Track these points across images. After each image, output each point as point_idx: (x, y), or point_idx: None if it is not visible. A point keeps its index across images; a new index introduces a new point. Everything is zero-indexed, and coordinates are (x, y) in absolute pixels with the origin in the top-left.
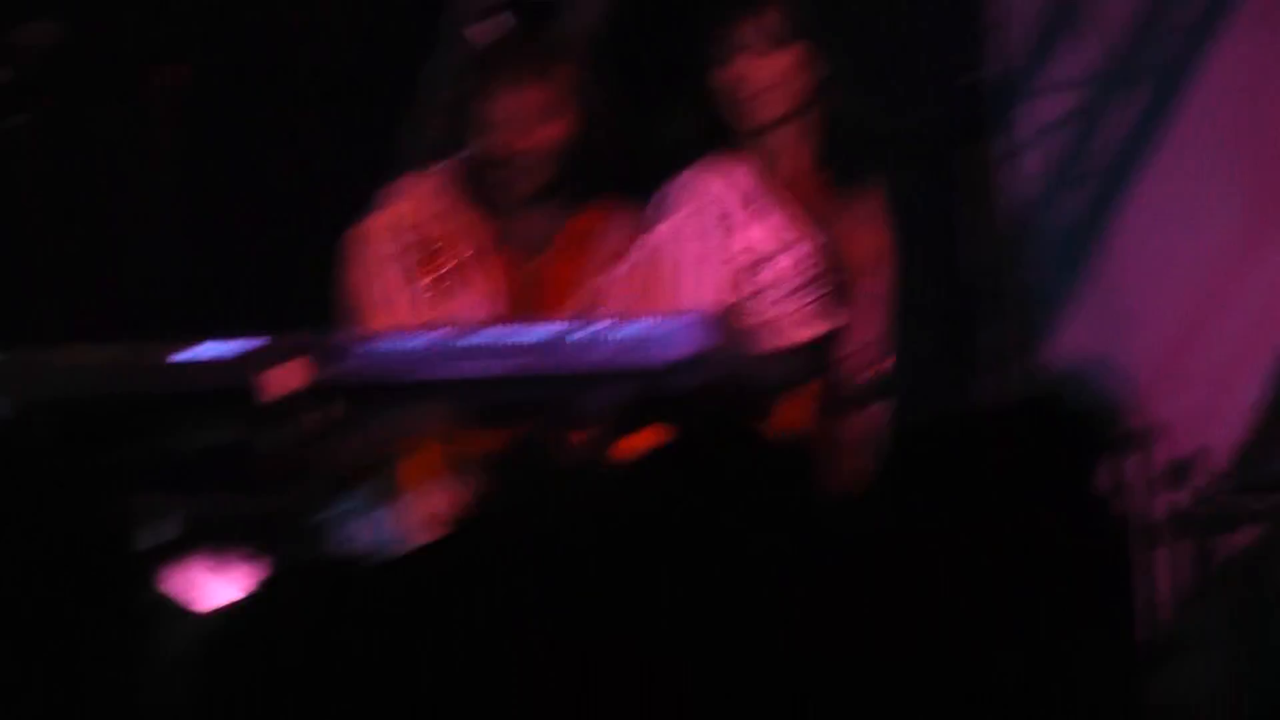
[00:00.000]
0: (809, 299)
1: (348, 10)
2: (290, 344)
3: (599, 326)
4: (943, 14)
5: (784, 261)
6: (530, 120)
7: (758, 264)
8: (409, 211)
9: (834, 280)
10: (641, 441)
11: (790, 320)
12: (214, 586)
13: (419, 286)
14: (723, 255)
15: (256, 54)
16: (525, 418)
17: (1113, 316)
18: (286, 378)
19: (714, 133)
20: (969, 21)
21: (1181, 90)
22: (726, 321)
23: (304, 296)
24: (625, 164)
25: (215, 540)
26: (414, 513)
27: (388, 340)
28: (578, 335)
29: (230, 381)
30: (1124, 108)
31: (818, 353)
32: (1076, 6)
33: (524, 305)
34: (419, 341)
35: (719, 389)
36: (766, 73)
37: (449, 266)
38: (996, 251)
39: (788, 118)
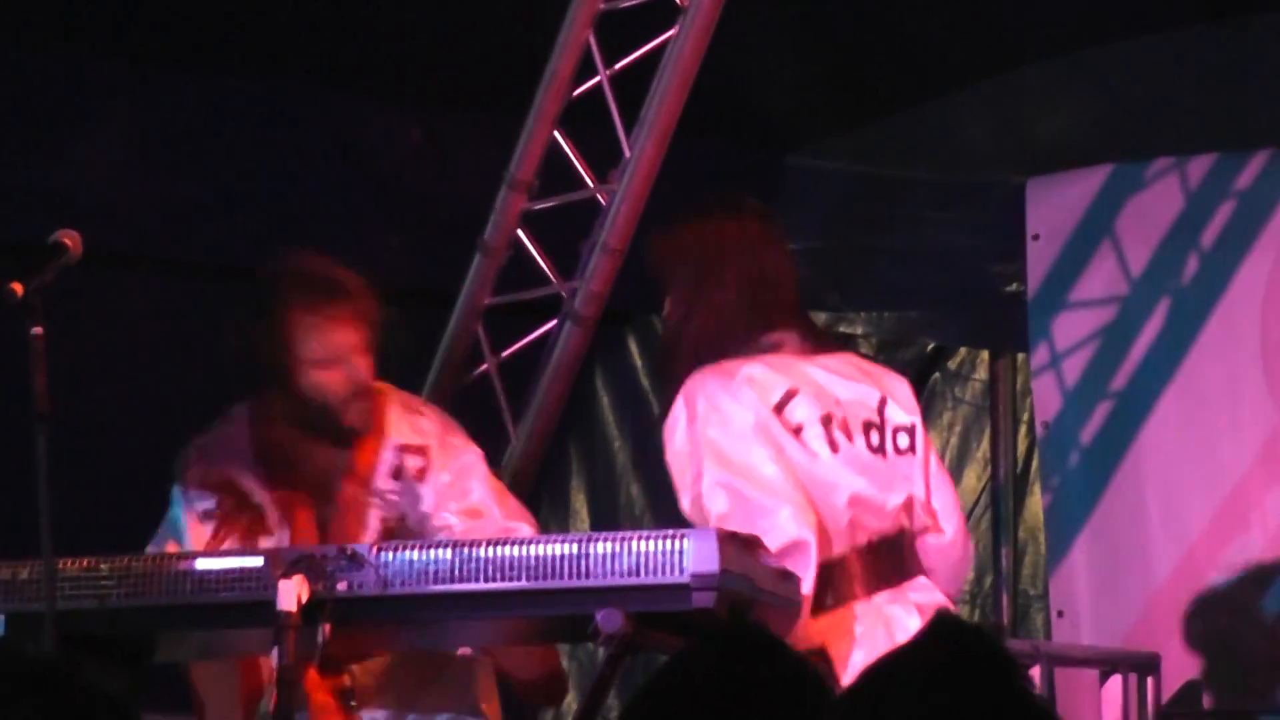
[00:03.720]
0: None
1: None
2: (310, 556)
3: (620, 540)
4: (987, 225)
5: None
6: (351, 354)
7: None
8: (209, 458)
9: None
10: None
11: None
12: None
13: (220, 537)
14: None
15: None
16: (546, 630)
17: (1130, 536)
18: (301, 589)
19: None
20: (1012, 233)
21: (1206, 307)
22: (743, 538)
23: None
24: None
25: None
26: None
27: (409, 552)
28: (599, 549)
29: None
30: (1150, 323)
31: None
32: (1108, 223)
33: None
34: (442, 553)
35: (738, 604)
36: None
37: (242, 514)
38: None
39: None
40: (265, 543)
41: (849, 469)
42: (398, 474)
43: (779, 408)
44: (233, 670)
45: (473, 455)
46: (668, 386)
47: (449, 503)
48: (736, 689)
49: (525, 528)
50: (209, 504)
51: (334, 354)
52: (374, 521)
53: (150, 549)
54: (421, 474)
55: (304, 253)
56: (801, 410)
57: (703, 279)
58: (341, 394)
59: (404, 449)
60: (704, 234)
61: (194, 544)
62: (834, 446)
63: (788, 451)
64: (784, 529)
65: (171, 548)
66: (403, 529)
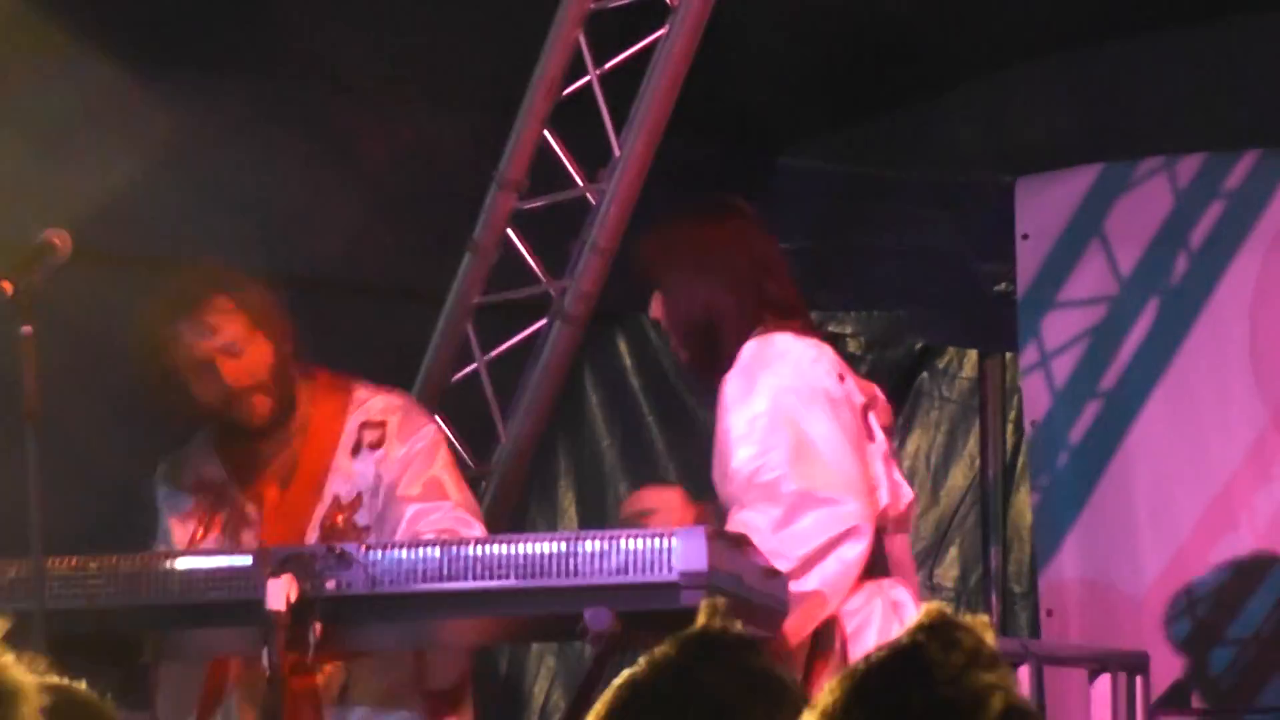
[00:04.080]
0: None
1: None
2: (299, 554)
3: (609, 539)
4: (976, 225)
5: None
6: (214, 358)
7: None
8: (181, 463)
9: None
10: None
11: None
12: None
13: (210, 541)
14: None
15: None
16: (534, 629)
17: (1119, 536)
18: (290, 588)
19: None
20: (1001, 232)
21: (1195, 308)
22: (733, 538)
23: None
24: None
25: None
26: None
27: (398, 551)
28: (588, 548)
29: (241, 594)
30: (1139, 323)
31: None
32: (1097, 223)
33: (287, 531)
34: (431, 552)
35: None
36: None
37: (220, 510)
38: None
39: None
40: (248, 534)
41: (879, 459)
42: (355, 449)
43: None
44: (198, 669)
45: (432, 429)
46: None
47: (409, 473)
48: (697, 691)
49: (477, 526)
50: (187, 505)
51: (193, 365)
52: (328, 497)
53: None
54: (377, 444)
55: (158, 288)
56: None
57: (697, 276)
58: (218, 398)
59: (364, 425)
60: (696, 232)
61: (180, 545)
62: (872, 435)
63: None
64: (851, 515)
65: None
66: (358, 505)
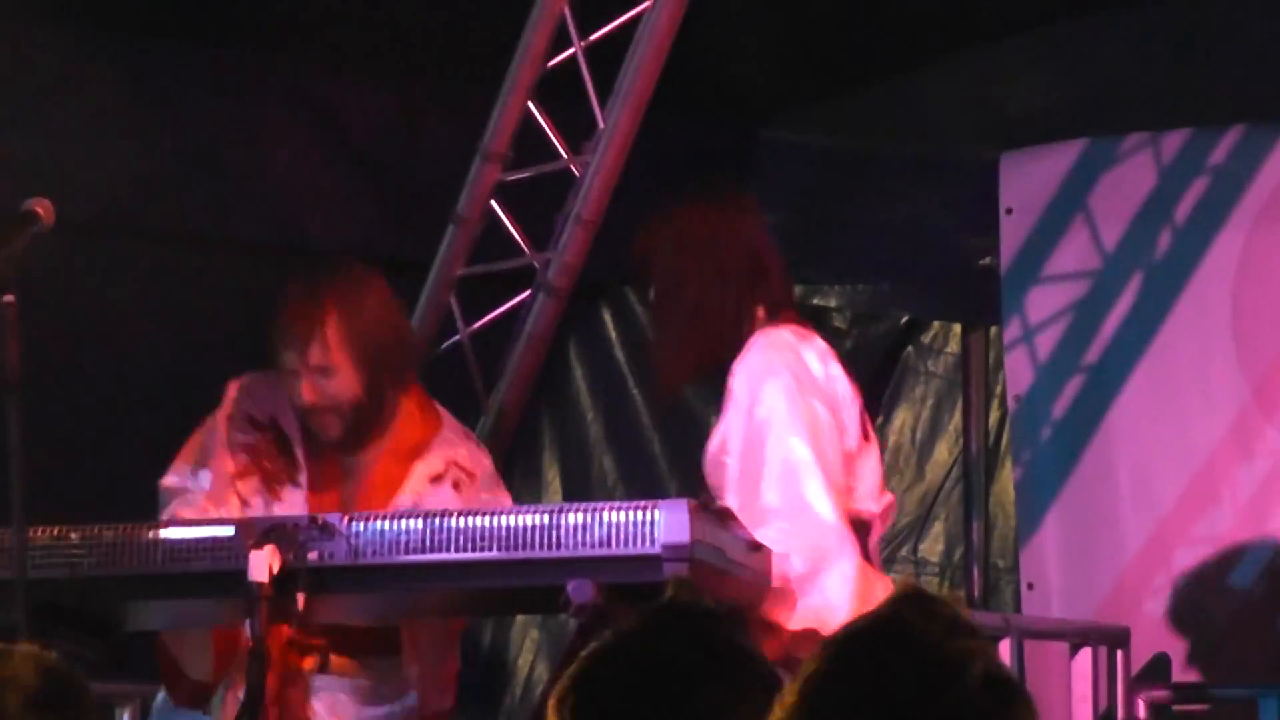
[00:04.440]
0: None
1: None
2: (282, 525)
3: (591, 511)
4: (960, 199)
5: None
6: (316, 371)
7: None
8: (260, 395)
9: None
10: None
11: None
12: None
13: (249, 483)
14: None
15: None
16: (517, 601)
17: (1101, 510)
18: (273, 559)
19: None
20: (984, 207)
21: (1179, 284)
22: (716, 510)
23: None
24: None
25: None
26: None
27: (380, 522)
28: (571, 520)
29: (224, 564)
30: (1123, 298)
31: None
32: (1081, 198)
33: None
34: (413, 524)
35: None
36: None
37: (276, 458)
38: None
39: None
40: (284, 493)
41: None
42: (438, 479)
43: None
44: (206, 632)
45: (505, 501)
46: (661, 368)
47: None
48: (660, 662)
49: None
50: (249, 437)
51: (284, 367)
52: (393, 504)
53: (174, 473)
54: (459, 486)
55: (313, 265)
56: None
57: (696, 263)
58: (307, 403)
59: (455, 464)
60: (692, 222)
61: (218, 472)
62: (868, 434)
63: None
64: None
65: (190, 481)
66: None
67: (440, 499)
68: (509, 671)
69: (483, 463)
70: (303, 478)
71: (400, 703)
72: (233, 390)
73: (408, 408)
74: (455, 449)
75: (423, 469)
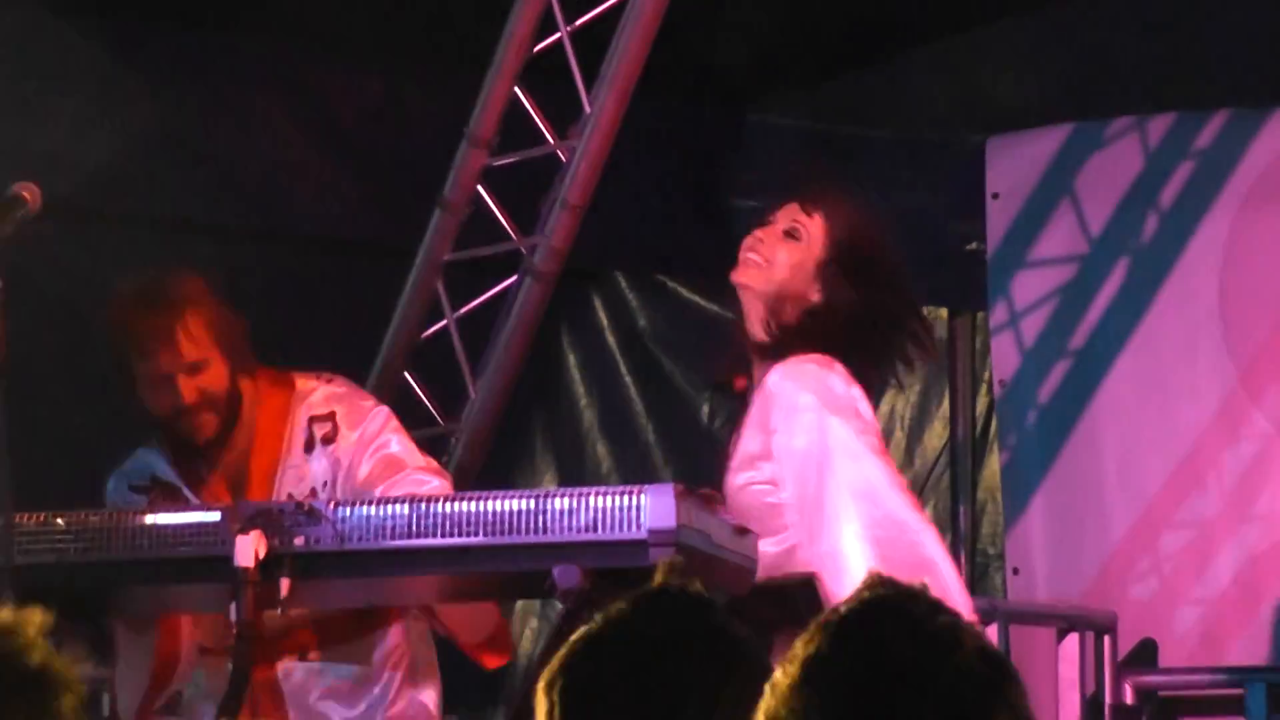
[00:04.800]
0: None
1: None
2: (268, 510)
3: (578, 496)
4: (946, 183)
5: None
6: (174, 375)
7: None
8: (132, 468)
9: None
10: None
11: None
12: None
13: None
14: None
15: None
16: (503, 586)
17: (1087, 494)
18: (259, 544)
19: None
20: (971, 191)
21: (1165, 268)
22: (703, 496)
23: None
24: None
25: None
26: None
27: (366, 508)
28: (557, 505)
29: (210, 549)
30: (1109, 282)
31: None
32: (1067, 182)
33: None
34: (399, 509)
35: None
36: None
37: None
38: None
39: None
40: None
41: None
42: (309, 445)
43: None
44: (151, 636)
45: (382, 412)
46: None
47: (365, 456)
48: (648, 648)
49: (436, 481)
50: (141, 504)
51: (153, 376)
52: (281, 496)
53: None
54: (330, 438)
55: (140, 275)
56: None
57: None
58: (167, 411)
59: (313, 420)
60: (878, 229)
61: None
62: None
63: None
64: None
65: None
66: (313, 499)
67: (319, 467)
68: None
69: (335, 394)
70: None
71: (371, 690)
72: (113, 482)
73: (260, 386)
74: (308, 402)
75: (293, 446)
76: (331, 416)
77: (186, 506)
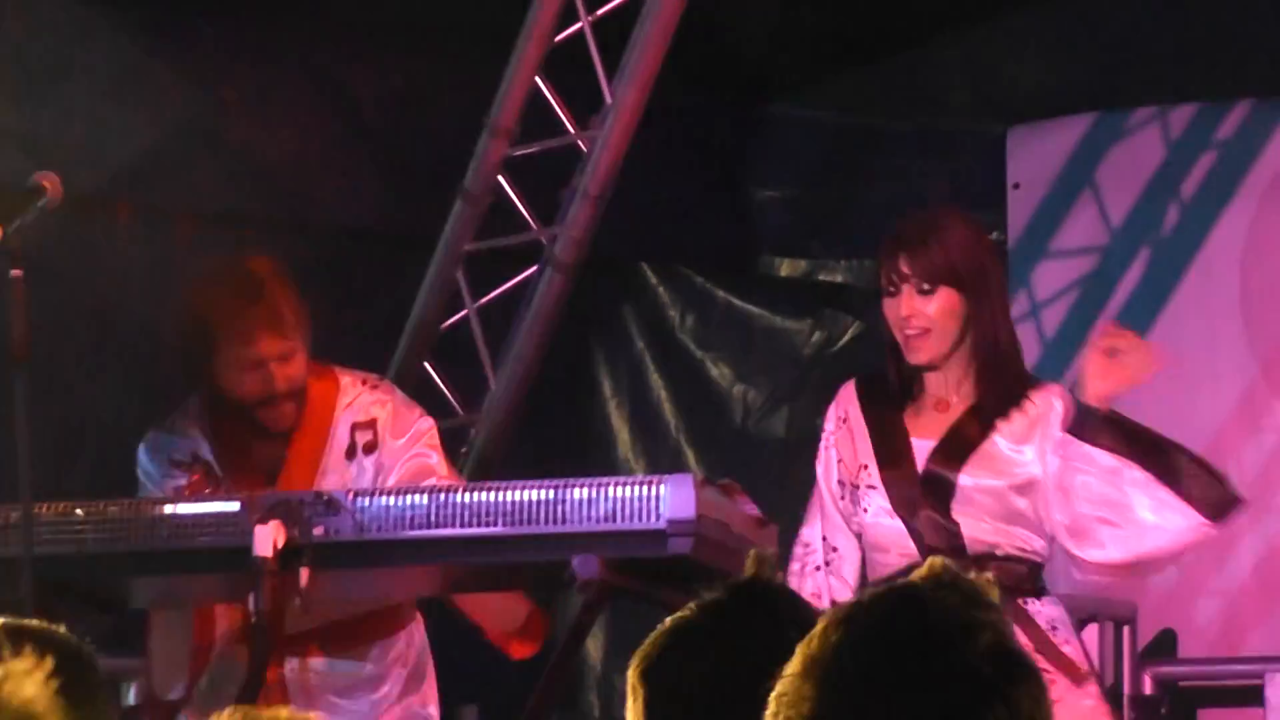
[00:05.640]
0: None
1: None
2: (287, 501)
3: (597, 486)
4: (967, 174)
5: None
6: (266, 361)
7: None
8: (174, 438)
9: None
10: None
11: None
12: None
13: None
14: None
15: None
16: (522, 576)
17: None
18: (278, 535)
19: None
20: (992, 182)
21: (1186, 259)
22: (722, 486)
23: None
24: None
25: None
26: None
27: (386, 498)
28: (576, 495)
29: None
30: (1130, 273)
31: None
32: (1088, 173)
33: None
34: (419, 499)
35: (715, 550)
36: (925, 314)
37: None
38: None
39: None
40: None
41: None
42: (351, 452)
43: None
44: (187, 622)
45: (427, 423)
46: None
47: (401, 462)
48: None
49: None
50: (180, 481)
51: (248, 362)
52: None
53: None
54: (371, 446)
55: (229, 260)
56: None
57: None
58: (254, 398)
59: (355, 427)
60: (984, 245)
61: None
62: None
63: None
64: None
65: None
66: None
67: (360, 475)
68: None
69: (379, 399)
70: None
71: (379, 689)
72: (148, 447)
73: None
74: (351, 408)
75: (334, 449)
76: (373, 424)
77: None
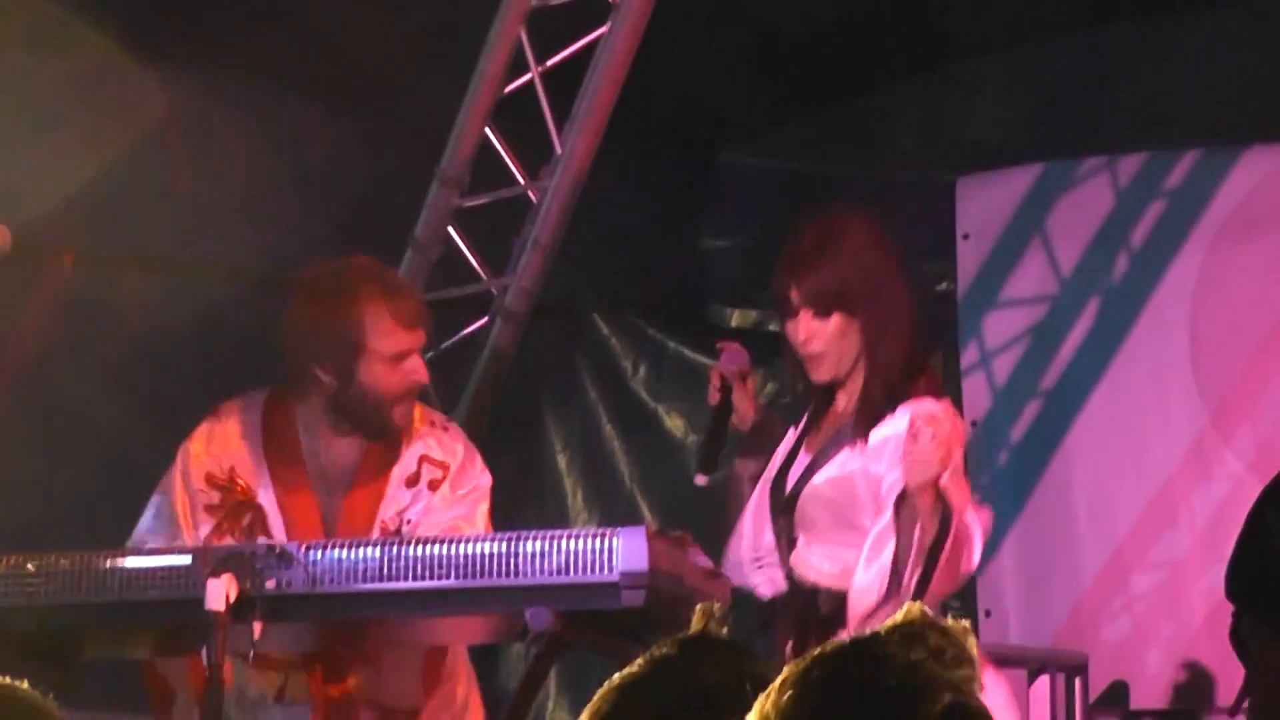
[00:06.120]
0: None
1: None
2: (239, 553)
3: (550, 538)
4: (917, 223)
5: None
6: (415, 354)
7: None
8: (216, 448)
9: None
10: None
11: None
12: None
13: (210, 526)
14: None
15: None
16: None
17: (1058, 535)
18: (230, 587)
19: None
20: (942, 231)
21: (1136, 307)
22: (674, 538)
23: None
24: None
25: None
26: None
27: (338, 550)
28: (529, 547)
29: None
30: (1080, 322)
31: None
32: (1038, 222)
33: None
34: (371, 551)
35: (668, 602)
36: (822, 337)
37: (244, 514)
38: None
39: (849, 372)
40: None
41: None
42: (413, 480)
43: None
44: (185, 663)
45: (486, 480)
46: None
47: (448, 514)
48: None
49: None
50: (213, 498)
51: (402, 351)
52: (377, 521)
53: (137, 534)
54: (436, 485)
55: (347, 260)
56: None
57: (903, 315)
58: (398, 391)
59: (426, 460)
60: (879, 258)
61: (188, 536)
62: None
63: None
64: None
65: (163, 539)
66: (398, 526)
67: (416, 505)
68: (500, 700)
69: (453, 448)
70: (274, 524)
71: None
72: (190, 449)
73: None
74: (426, 441)
75: (398, 472)
76: (445, 467)
77: (256, 510)
